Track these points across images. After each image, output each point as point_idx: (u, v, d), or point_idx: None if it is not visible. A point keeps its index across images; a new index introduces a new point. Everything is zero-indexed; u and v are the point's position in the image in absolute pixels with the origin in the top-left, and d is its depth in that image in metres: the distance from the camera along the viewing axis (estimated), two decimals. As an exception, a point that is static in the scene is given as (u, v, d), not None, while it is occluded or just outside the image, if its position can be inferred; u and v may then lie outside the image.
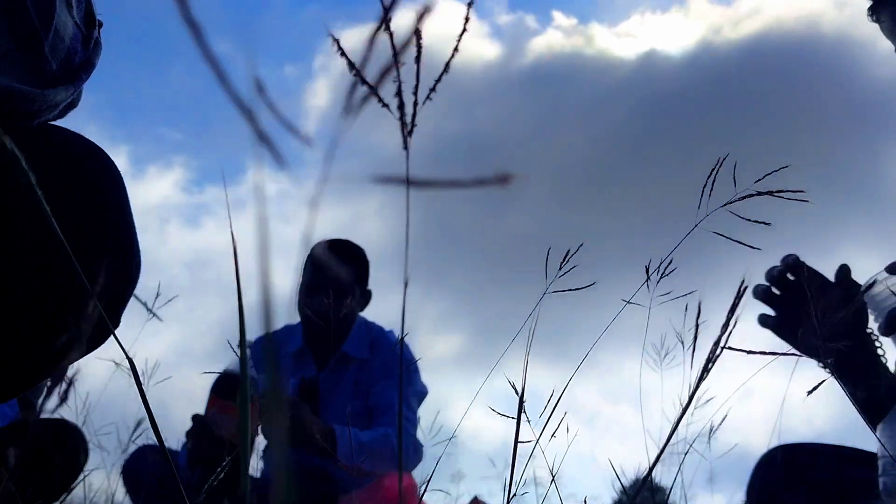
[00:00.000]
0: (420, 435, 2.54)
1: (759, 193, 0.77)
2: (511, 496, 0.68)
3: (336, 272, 2.60)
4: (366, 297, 2.74)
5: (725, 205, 0.79)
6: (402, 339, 0.53)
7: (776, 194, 0.77)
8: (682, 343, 1.55)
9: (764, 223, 0.78)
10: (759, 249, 0.79)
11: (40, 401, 2.16)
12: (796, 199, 0.77)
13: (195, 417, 2.29)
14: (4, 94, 0.94)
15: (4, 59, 0.96)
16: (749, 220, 0.77)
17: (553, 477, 0.84)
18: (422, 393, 2.63)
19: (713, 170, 0.80)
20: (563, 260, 0.87)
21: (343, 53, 0.38)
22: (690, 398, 0.46)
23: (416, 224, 0.45)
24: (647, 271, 1.05)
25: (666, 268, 1.05)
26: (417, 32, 0.42)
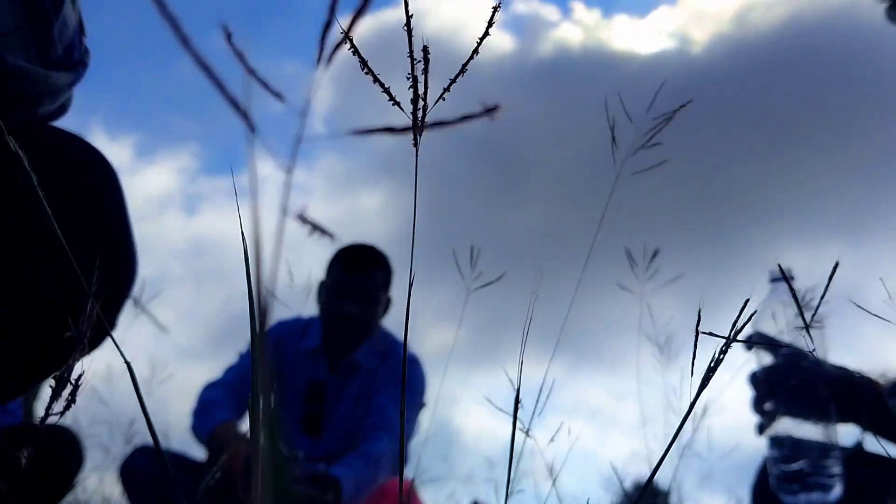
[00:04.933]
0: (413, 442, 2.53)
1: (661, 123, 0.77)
2: (509, 496, 0.67)
3: (370, 279, 2.59)
4: (388, 306, 2.72)
5: (639, 148, 0.79)
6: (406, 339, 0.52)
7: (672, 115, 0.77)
8: (660, 348, 1.55)
9: (657, 144, 0.78)
10: (667, 161, 0.79)
11: (37, 403, 2.15)
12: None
13: (213, 441, 2.31)
14: (14, 73, 0.94)
15: (13, 35, 0.96)
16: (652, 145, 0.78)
17: (554, 479, 0.83)
18: (419, 406, 2.61)
19: (610, 123, 0.81)
20: (471, 259, 0.87)
21: (351, 44, 0.37)
22: (691, 407, 0.46)
23: (419, 215, 0.44)
24: (630, 256, 1.05)
25: (654, 253, 1.04)
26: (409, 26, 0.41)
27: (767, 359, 1.31)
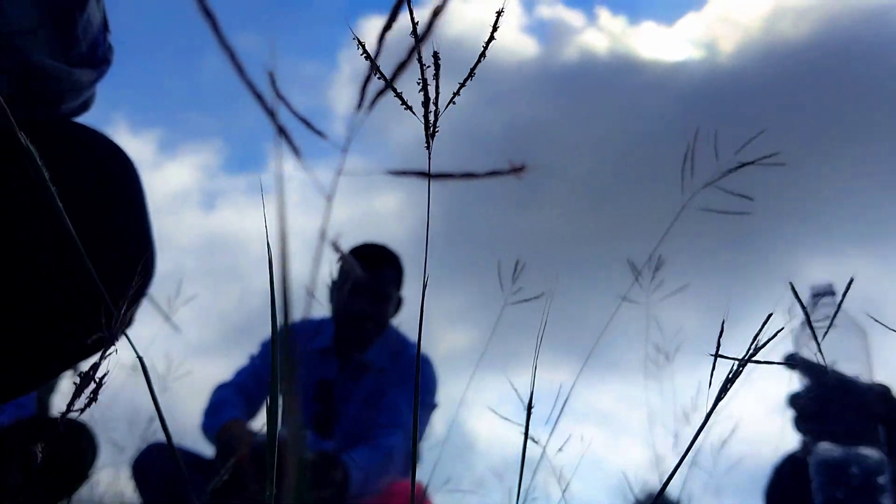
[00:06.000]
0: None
1: (741, 165, 0.76)
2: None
3: (381, 277, 2.60)
4: (399, 305, 2.73)
5: (709, 184, 0.78)
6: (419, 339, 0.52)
7: (756, 163, 0.76)
8: (667, 357, 1.54)
9: (746, 197, 0.77)
10: (748, 214, 0.78)
11: (52, 397, 2.17)
12: (774, 164, 0.76)
13: (221, 438, 2.33)
14: (38, 70, 0.95)
15: (37, 33, 0.97)
16: (733, 193, 0.76)
17: (564, 488, 0.83)
18: (431, 406, 2.61)
19: (689, 147, 0.79)
20: (515, 271, 0.86)
21: (365, 51, 0.38)
22: (707, 417, 0.45)
23: (435, 218, 0.45)
24: (634, 267, 1.04)
25: (657, 262, 1.03)
26: (430, 29, 0.41)
27: (807, 378, 1.29)
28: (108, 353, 0.43)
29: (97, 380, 0.46)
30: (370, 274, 2.58)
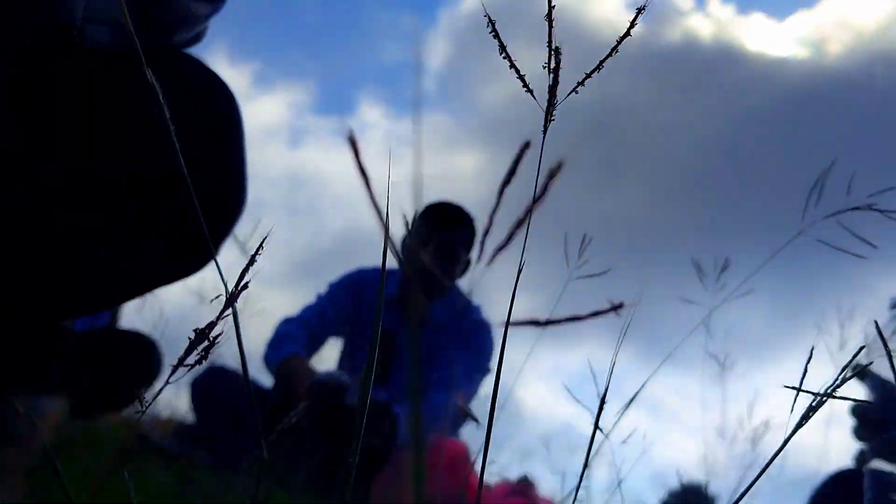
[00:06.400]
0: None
1: (859, 208, 0.73)
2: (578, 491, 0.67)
3: (453, 237, 2.62)
4: (467, 266, 2.74)
5: (832, 215, 0.76)
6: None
7: (884, 213, 0.73)
8: (723, 365, 1.51)
9: (869, 243, 0.74)
10: (864, 258, 0.75)
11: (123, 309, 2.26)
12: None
13: (281, 371, 2.40)
14: (157, 0, 0.97)
15: None
16: (858, 236, 0.74)
17: (619, 482, 0.83)
18: (486, 370, 2.63)
19: (821, 178, 0.77)
20: (581, 247, 0.85)
21: (493, 29, 0.38)
22: (784, 443, 0.45)
23: (513, 182, 0.45)
24: (699, 268, 1.02)
25: (723, 266, 1.01)
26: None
27: (873, 390, 1.26)
28: (224, 314, 0.44)
29: (211, 339, 0.47)
30: (443, 232, 2.59)
